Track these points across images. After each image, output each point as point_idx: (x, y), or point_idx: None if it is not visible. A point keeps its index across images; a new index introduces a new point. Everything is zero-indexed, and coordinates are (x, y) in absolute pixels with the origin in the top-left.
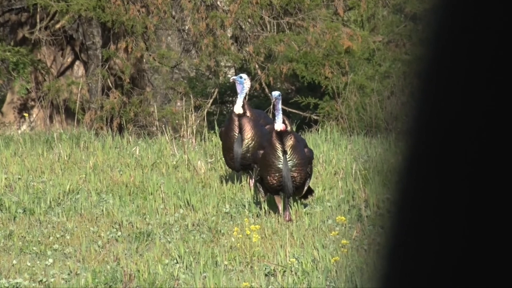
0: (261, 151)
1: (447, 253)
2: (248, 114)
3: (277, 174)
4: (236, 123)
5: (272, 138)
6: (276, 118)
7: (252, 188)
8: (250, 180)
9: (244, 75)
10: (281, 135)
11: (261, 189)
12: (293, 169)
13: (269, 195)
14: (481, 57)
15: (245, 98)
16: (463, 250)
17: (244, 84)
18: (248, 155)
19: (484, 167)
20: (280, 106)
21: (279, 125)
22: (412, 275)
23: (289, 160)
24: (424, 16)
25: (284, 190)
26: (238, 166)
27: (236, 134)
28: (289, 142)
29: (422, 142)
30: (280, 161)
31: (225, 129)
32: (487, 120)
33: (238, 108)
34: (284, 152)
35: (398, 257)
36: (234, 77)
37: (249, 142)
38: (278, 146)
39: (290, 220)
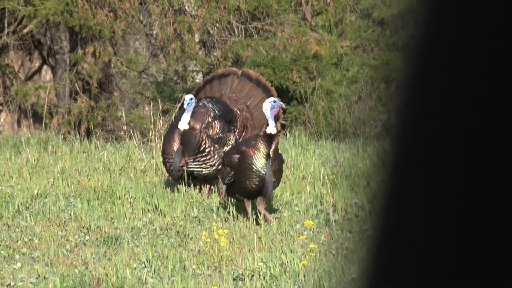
0: (237, 155)
1: (434, 253)
2: (194, 126)
3: (257, 179)
4: (177, 135)
5: (259, 141)
6: (269, 120)
7: (207, 197)
8: (204, 188)
9: (191, 95)
10: (270, 139)
11: (224, 191)
12: (274, 173)
13: (230, 198)
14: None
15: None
16: (450, 250)
17: (192, 104)
18: (192, 165)
19: (470, 166)
20: (270, 111)
21: (272, 128)
22: (400, 275)
23: (271, 165)
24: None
25: (265, 194)
26: (176, 176)
27: (175, 145)
28: (274, 146)
29: (409, 143)
30: (262, 165)
31: (164, 140)
32: (472, 119)
33: (183, 125)
34: (268, 156)
35: (385, 258)
36: (186, 103)
37: (192, 153)
38: (264, 150)
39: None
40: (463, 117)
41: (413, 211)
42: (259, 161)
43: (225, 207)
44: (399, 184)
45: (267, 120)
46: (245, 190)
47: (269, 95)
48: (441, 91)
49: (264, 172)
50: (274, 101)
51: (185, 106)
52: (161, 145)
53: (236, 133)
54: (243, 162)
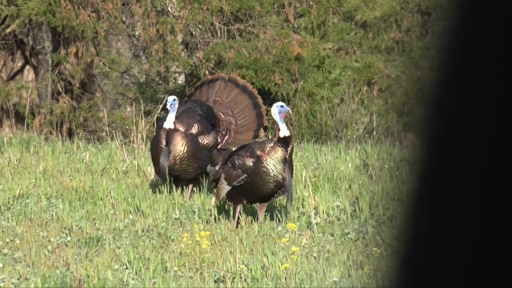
0: (251, 159)
1: (461, 254)
2: (178, 126)
3: (274, 183)
4: (164, 136)
5: (275, 146)
6: (280, 125)
7: (188, 199)
8: (186, 192)
9: (175, 97)
10: (286, 142)
11: (225, 192)
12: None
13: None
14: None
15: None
16: (478, 253)
17: (176, 106)
18: (176, 166)
19: (500, 168)
20: (278, 115)
21: (285, 131)
22: (427, 279)
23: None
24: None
25: (289, 198)
26: (164, 177)
27: (163, 146)
28: (290, 149)
29: (438, 147)
30: (280, 170)
31: (152, 141)
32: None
33: (169, 124)
34: (285, 160)
35: (413, 261)
36: (169, 103)
37: (176, 155)
38: (282, 154)
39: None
40: (494, 119)
41: (441, 216)
42: (276, 166)
43: (206, 209)
44: (428, 189)
45: (277, 126)
46: (259, 194)
47: (254, 101)
48: (472, 92)
49: (281, 177)
50: (282, 106)
51: (168, 107)
52: (150, 148)
53: (219, 136)
54: (260, 166)
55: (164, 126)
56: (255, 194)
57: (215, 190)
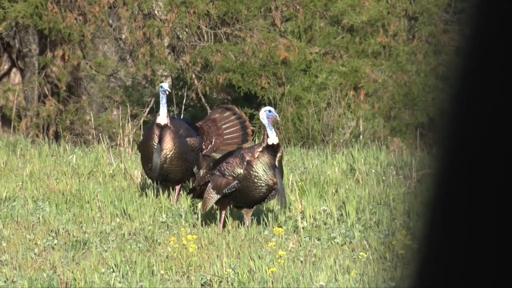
0: (242, 165)
1: (480, 256)
2: (169, 124)
3: (266, 187)
4: (157, 133)
5: (264, 152)
6: (268, 131)
7: (175, 202)
8: (173, 193)
9: (167, 84)
10: (274, 149)
11: (214, 200)
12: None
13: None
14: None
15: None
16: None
17: (166, 93)
18: (166, 166)
19: None
20: (267, 120)
21: (273, 139)
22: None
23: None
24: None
25: (282, 204)
26: (156, 175)
27: (156, 144)
28: (279, 155)
29: (458, 150)
30: (271, 175)
31: (144, 139)
32: None
33: (162, 119)
34: (274, 166)
35: (432, 261)
36: (167, 89)
37: (167, 153)
38: (270, 160)
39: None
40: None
41: (461, 218)
42: (267, 171)
43: (193, 213)
44: (447, 194)
45: (266, 131)
46: (251, 199)
47: (241, 120)
48: (493, 93)
49: (271, 182)
50: (270, 111)
51: (161, 93)
52: (140, 146)
53: (203, 143)
54: (251, 171)
55: (157, 121)
56: (246, 199)
57: (194, 198)
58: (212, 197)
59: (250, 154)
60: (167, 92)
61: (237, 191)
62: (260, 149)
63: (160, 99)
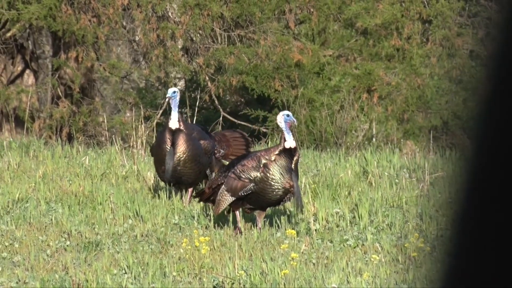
0: (258, 169)
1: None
2: (182, 127)
3: (282, 190)
4: (169, 136)
5: (281, 156)
6: (286, 135)
7: (188, 204)
8: (186, 195)
9: (176, 89)
10: (291, 153)
11: (228, 203)
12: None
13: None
14: None
15: (179, 111)
16: None
17: (177, 98)
18: (179, 168)
19: None
20: (284, 124)
21: (291, 142)
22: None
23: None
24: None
25: (299, 207)
26: (169, 178)
27: (168, 147)
28: (295, 158)
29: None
30: (288, 178)
31: (157, 142)
32: None
33: (174, 123)
34: (291, 169)
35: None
36: (169, 95)
37: (181, 156)
38: (287, 163)
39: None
40: None
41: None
42: (283, 174)
43: (206, 215)
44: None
45: (283, 135)
46: (267, 202)
47: (247, 142)
48: None
49: (288, 185)
50: (288, 115)
51: (168, 100)
52: (153, 149)
53: (215, 148)
54: (268, 174)
55: (169, 125)
56: (262, 202)
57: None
58: (226, 199)
59: (267, 157)
60: (168, 98)
61: (253, 193)
62: (277, 152)
63: (171, 103)
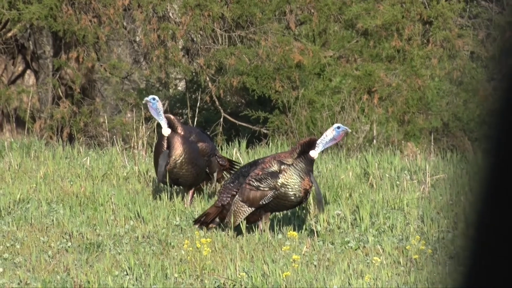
0: (277, 174)
1: None
2: (179, 130)
3: (303, 192)
4: (165, 140)
5: (300, 158)
6: (320, 147)
7: (189, 206)
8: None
9: (155, 96)
10: (311, 163)
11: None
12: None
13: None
14: None
15: (177, 117)
16: None
17: (157, 105)
18: (176, 170)
19: None
20: (329, 138)
21: (315, 154)
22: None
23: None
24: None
25: (321, 209)
26: (161, 179)
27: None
28: (312, 167)
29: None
30: (307, 180)
31: (156, 145)
32: None
33: (166, 131)
34: (309, 171)
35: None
36: (147, 98)
37: (177, 158)
38: (306, 166)
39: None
40: None
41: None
42: (304, 177)
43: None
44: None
45: (317, 146)
46: (286, 206)
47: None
48: None
49: (308, 186)
50: (338, 127)
51: (150, 109)
52: (153, 152)
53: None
54: (288, 180)
55: (163, 134)
56: (282, 206)
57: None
58: (244, 210)
59: (283, 162)
60: (146, 101)
61: (274, 200)
62: (295, 156)
63: (150, 110)
